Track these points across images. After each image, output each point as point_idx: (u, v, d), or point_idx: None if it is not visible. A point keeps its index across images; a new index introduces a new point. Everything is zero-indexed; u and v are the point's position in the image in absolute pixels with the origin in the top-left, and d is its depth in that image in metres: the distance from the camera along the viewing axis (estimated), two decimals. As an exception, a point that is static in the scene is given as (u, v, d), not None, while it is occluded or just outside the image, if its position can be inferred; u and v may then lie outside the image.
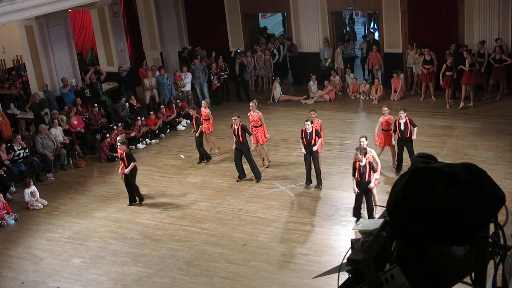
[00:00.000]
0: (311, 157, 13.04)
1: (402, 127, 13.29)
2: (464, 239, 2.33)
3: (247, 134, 13.82)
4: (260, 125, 14.32)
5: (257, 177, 13.92)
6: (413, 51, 18.51)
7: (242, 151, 13.86)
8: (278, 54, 21.04)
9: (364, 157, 11.26)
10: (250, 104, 14.58)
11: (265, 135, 14.37)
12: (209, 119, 15.68)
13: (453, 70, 17.18)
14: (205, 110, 15.78)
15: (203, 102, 16.53)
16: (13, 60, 22.74)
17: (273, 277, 10.36)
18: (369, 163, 11.32)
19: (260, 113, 14.37)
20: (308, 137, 12.91)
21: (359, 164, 11.31)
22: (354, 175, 11.46)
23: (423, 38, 18.61)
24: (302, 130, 13.07)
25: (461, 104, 17.25)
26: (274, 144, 15.70)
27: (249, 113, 14.51)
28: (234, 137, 13.91)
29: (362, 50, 20.62)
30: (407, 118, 13.34)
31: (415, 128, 13.44)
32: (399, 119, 13.32)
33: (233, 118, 13.95)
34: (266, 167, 14.57)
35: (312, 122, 13.02)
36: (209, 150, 15.77)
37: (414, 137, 13.37)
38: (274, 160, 14.93)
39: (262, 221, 12.25)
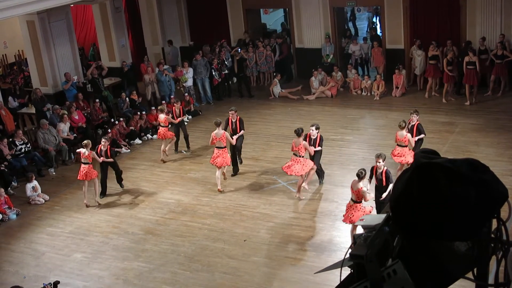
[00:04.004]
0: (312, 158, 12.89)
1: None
2: (466, 235, 2.33)
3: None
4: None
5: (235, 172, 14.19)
6: (417, 49, 18.39)
7: (236, 146, 14.02)
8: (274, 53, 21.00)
9: (383, 162, 10.97)
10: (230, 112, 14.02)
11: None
12: (167, 126, 15.25)
13: (452, 65, 17.18)
14: (162, 116, 15.30)
15: (159, 107, 15.93)
16: (15, 55, 22.74)
17: (274, 273, 10.37)
18: (386, 171, 10.97)
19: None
20: (312, 142, 12.73)
21: (376, 169, 11.10)
22: (370, 179, 11.19)
23: (425, 34, 18.57)
24: (307, 135, 12.76)
25: (468, 102, 17.20)
26: (275, 140, 15.70)
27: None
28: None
29: (354, 52, 20.14)
30: (417, 122, 12.92)
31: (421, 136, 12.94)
32: (410, 121, 12.97)
33: (230, 112, 13.99)
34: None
35: (317, 128, 12.76)
36: (162, 154, 15.37)
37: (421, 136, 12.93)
38: (275, 155, 14.92)
39: (263, 216, 12.26)
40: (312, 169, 12.70)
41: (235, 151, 14.10)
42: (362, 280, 2.34)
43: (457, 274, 2.45)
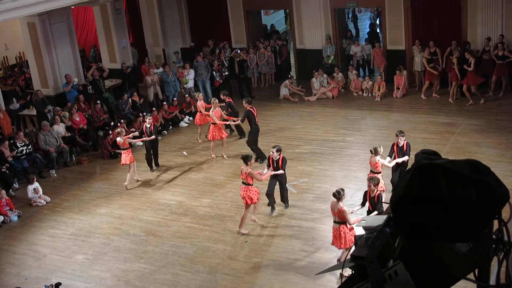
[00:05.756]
0: (277, 181, 12.20)
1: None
2: (468, 236, 2.33)
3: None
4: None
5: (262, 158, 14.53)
6: (418, 50, 18.37)
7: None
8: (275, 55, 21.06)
9: (377, 187, 10.31)
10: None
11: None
12: (201, 112, 16.35)
13: (458, 65, 17.21)
14: (199, 103, 16.41)
15: (195, 96, 17.43)
16: (15, 57, 22.75)
17: (276, 274, 10.37)
18: (378, 196, 10.34)
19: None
20: (275, 164, 12.02)
21: (369, 194, 10.44)
22: (363, 204, 10.53)
23: (426, 35, 18.56)
24: (269, 157, 12.17)
25: (471, 101, 17.20)
26: (276, 141, 15.67)
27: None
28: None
29: (356, 54, 20.05)
30: (405, 142, 12.02)
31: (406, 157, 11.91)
32: (397, 143, 12.01)
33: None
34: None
35: (278, 151, 11.92)
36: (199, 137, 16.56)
37: (399, 160, 11.86)
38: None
39: (264, 218, 12.24)
40: (258, 200, 11.77)
41: None
42: (363, 281, 2.34)
43: (458, 275, 2.45)
